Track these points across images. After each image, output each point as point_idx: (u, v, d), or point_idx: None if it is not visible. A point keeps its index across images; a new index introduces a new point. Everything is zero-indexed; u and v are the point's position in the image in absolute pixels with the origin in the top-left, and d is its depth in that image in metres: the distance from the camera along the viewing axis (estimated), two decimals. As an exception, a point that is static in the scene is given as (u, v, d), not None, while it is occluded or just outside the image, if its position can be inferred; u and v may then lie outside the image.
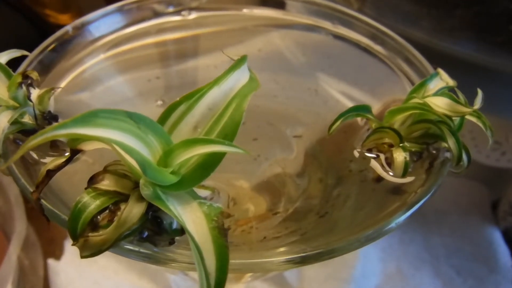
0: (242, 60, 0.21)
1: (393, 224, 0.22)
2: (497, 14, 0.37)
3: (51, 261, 0.43)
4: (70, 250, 0.44)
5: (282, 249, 0.23)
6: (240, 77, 0.20)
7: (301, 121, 0.34)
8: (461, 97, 0.26)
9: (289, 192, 0.30)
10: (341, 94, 0.34)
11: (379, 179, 0.27)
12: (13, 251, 0.38)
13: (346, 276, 0.43)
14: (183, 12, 0.37)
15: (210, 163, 0.19)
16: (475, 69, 0.41)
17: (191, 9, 0.37)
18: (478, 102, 0.26)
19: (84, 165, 0.25)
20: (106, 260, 0.44)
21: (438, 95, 0.26)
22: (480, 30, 0.39)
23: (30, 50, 0.30)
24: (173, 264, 0.21)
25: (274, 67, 0.37)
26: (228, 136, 0.19)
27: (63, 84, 0.31)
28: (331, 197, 0.28)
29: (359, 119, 0.30)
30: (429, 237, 0.48)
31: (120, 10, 0.35)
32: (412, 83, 0.31)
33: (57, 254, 0.45)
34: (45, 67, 0.30)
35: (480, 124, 0.26)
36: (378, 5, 0.42)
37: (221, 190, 0.28)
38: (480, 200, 0.51)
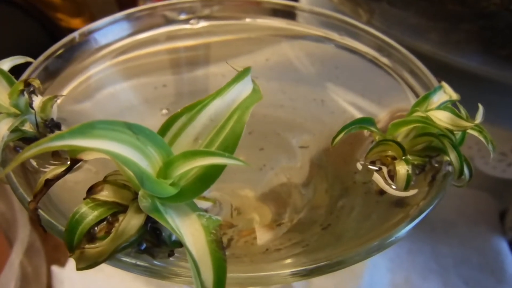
0: (245, 71, 0.20)
1: (393, 238, 0.22)
2: (502, 28, 0.37)
3: (55, 268, 0.43)
4: (76, 257, 0.44)
5: (284, 261, 0.23)
6: (243, 89, 0.20)
7: (307, 131, 0.34)
8: (463, 111, 0.26)
9: (294, 202, 0.30)
10: (347, 104, 0.34)
11: (382, 191, 0.26)
12: (15, 257, 0.38)
13: (354, 286, 0.43)
14: (192, 21, 0.37)
15: (210, 175, 0.19)
16: (481, 80, 0.41)
17: (200, 18, 0.37)
18: (479, 117, 0.25)
19: (87, 174, 0.25)
20: (112, 268, 0.43)
21: (440, 109, 0.26)
22: (485, 43, 0.39)
23: (41, 54, 0.30)
24: (176, 279, 0.20)
25: (281, 76, 0.37)
26: (229, 148, 0.19)
27: (67, 90, 0.31)
28: (336, 208, 0.28)
29: (365, 130, 0.30)
30: (437, 247, 0.48)
31: (128, 17, 0.35)
32: (416, 94, 0.31)
33: (62, 261, 0.44)
34: (51, 73, 0.30)
35: (482, 138, 0.26)
36: (386, 18, 0.42)
37: (225, 200, 0.28)
38: (488, 211, 0.51)
